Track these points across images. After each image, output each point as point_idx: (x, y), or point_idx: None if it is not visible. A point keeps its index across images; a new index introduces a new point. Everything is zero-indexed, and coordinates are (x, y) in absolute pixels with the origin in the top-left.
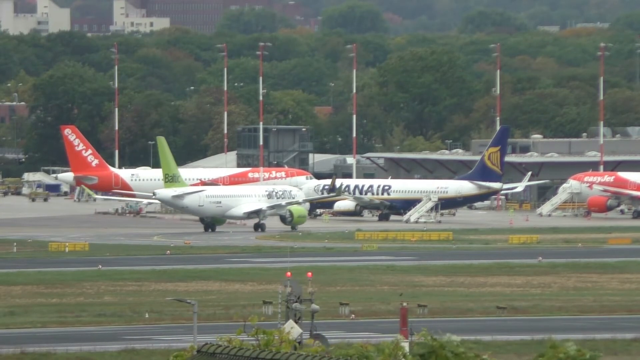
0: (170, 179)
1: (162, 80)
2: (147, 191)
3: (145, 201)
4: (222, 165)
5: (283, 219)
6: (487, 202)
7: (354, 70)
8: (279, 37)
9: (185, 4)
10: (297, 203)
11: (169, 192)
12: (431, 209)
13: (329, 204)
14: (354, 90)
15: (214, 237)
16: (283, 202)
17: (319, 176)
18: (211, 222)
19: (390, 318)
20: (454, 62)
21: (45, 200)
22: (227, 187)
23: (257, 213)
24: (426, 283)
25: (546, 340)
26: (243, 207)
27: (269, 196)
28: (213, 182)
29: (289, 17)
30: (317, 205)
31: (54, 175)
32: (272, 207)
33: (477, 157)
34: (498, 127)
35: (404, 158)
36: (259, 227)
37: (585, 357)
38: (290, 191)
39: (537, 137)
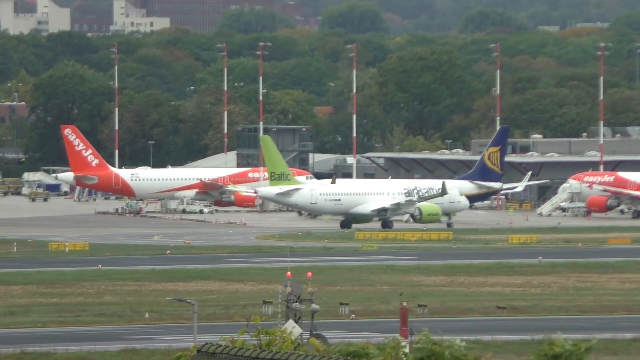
0: (277, 177)
1: (162, 80)
2: (147, 191)
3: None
4: (222, 165)
5: (413, 216)
6: (487, 202)
7: (354, 70)
8: (279, 37)
9: (185, 4)
10: (426, 199)
11: (272, 190)
12: None
13: None
14: (354, 90)
15: (213, 236)
16: (403, 200)
17: (319, 176)
18: (350, 219)
19: (390, 318)
20: (454, 62)
21: (45, 200)
22: (356, 183)
23: (385, 211)
24: (426, 283)
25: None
26: (371, 204)
27: (408, 193)
28: (213, 182)
29: (289, 17)
30: None
31: (54, 175)
32: (398, 205)
33: (477, 157)
34: (498, 127)
35: (404, 158)
36: (386, 225)
37: (581, 350)
38: (433, 189)
39: (537, 137)
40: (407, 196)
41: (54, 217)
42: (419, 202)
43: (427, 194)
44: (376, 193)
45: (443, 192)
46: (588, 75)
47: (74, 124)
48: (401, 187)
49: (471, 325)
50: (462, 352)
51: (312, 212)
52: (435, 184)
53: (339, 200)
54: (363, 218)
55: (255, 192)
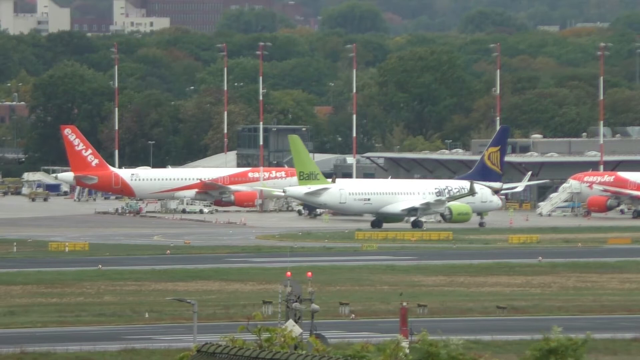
0: (306, 177)
1: (162, 80)
2: (147, 191)
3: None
4: (222, 165)
5: (443, 216)
6: None
7: (354, 70)
8: (279, 37)
9: (185, 4)
10: (455, 199)
11: (301, 190)
12: None
13: None
14: (354, 90)
15: (213, 236)
16: (432, 200)
17: None
18: (381, 219)
19: (390, 318)
20: (453, 62)
21: (45, 200)
22: (386, 183)
23: (415, 210)
24: (426, 283)
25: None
26: (401, 204)
27: (439, 193)
28: (213, 182)
29: (289, 17)
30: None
31: (54, 175)
32: (427, 205)
33: (477, 157)
34: (498, 127)
35: (404, 158)
36: (416, 224)
37: (578, 344)
38: (465, 189)
39: (537, 136)
40: (437, 196)
41: (54, 217)
42: (448, 201)
43: (457, 194)
44: (406, 192)
45: (471, 191)
46: (588, 75)
47: (74, 124)
48: (432, 187)
49: (471, 325)
50: (459, 352)
51: (341, 212)
52: (467, 184)
53: (369, 199)
54: (394, 218)
55: (283, 192)
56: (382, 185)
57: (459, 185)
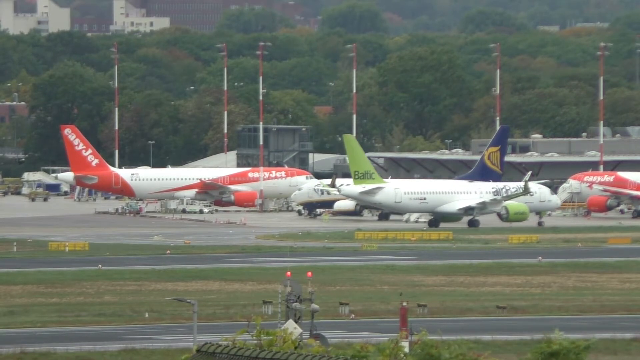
0: (361, 176)
1: (162, 80)
2: (147, 191)
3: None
4: (222, 165)
5: (500, 215)
6: None
7: (354, 70)
8: (279, 37)
9: (185, 3)
10: (510, 198)
11: (356, 189)
12: None
13: (329, 204)
14: (354, 90)
15: (213, 236)
16: (488, 199)
17: (319, 176)
18: (438, 218)
19: (390, 318)
20: (453, 62)
21: (45, 200)
22: (443, 182)
23: (471, 209)
24: (426, 283)
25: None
26: (457, 203)
27: (496, 192)
28: (213, 182)
29: (289, 17)
30: (317, 205)
31: (54, 175)
32: (484, 204)
33: (477, 157)
34: (498, 127)
35: (404, 158)
36: (472, 223)
37: (580, 347)
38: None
39: (537, 136)
40: (494, 195)
41: (54, 217)
42: (505, 200)
43: (513, 193)
44: (462, 192)
45: (526, 190)
46: (588, 75)
47: (74, 123)
48: (489, 187)
49: (471, 325)
50: (459, 352)
51: (397, 211)
52: (529, 185)
53: (424, 198)
54: (451, 217)
55: (338, 192)
56: (438, 185)
57: (517, 186)
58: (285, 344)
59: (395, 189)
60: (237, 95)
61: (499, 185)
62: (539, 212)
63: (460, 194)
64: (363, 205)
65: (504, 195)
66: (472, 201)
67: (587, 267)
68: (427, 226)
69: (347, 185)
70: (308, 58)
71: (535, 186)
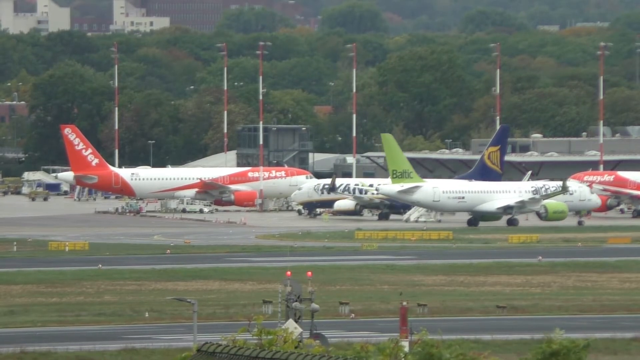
0: (400, 175)
1: (162, 80)
2: (147, 191)
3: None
4: (222, 165)
5: (538, 214)
6: None
7: (354, 70)
8: (279, 37)
9: (185, 3)
10: (548, 197)
11: (393, 188)
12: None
13: (329, 204)
14: (354, 90)
15: (213, 236)
16: (527, 198)
17: (318, 175)
18: (477, 217)
19: (390, 317)
20: (453, 62)
21: (45, 199)
22: (481, 183)
23: (510, 208)
24: (426, 282)
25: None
26: (496, 202)
27: (535, 192)
28: (213, 182)
29: (289, 17)
30: (317, 205)
31: (54, 174)
32: (523, 203)
33: (477, 157)
34: (498, 127)
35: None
36: (511, 223)
37: (579, 347)
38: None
39: (537, 136)
40: (533, 194)
41: (54, 216)
42: (543, 199)
43: (552, 192)
44: (501, 191)
45: (564, 189)
46: (588, 75)
47: (74, 123)
48: (528, 186)
49: (471, 325)
50: (459, 351)
51: (435, 210)
52: (567, 184)
53: (463, 197)
54: (490, 216)
55: (376, 191)
56: (476, 184)
57: (557, 184)
58: (285, 343)
59: (434, 188)
60: (237, 95)
61: (538, 184)
62: (579, 211)
63: (499, 193)
64: (363, 205)
65: (543, 194)
66: (511, 200)
67: (587, 266)
68: (467, 225)
69: (384, 184)
70: (308, 58)
71: (575, 185)
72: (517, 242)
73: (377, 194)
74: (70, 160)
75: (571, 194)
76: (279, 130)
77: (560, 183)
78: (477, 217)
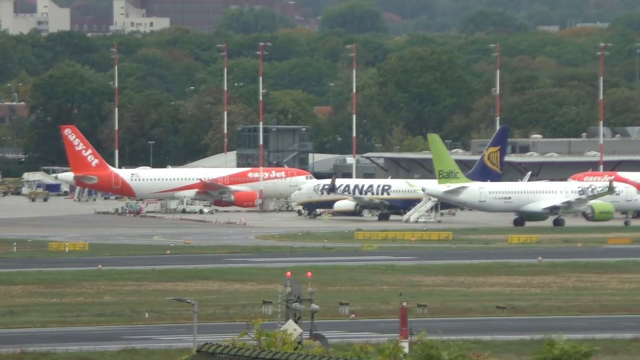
0: (446, 175)
1: (162, 80)
2: (147, 191)
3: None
4: (222, 165)
5: (585, 214)
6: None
7: (354, 70)
8: (279, 37)
9: (185, 4)
10: (595, 198)
11: (440, 188)
12: (431, 208)
13: (329, 204)
14: (354, 90)
15: (213, 236)
16: (574, 199)
17: (318, 176)
18: (523, 217)
19: (390, 318)
20: (453, 62)
21: (45, 200)
22: (527, 183)
23: (557, 209)
24: (426, 283)
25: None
26: (543, 202)
27: (582, 192)
28: (213, 182)
29: (289, 17)
30: (317, 205)
31: (54, 175)
32: (569, 203)
33: (477, 157)
34: (498, 127)
35: (404, 158)
36: (558, 223)
37: (581, 353)
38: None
39: (536, 136)
40: (580, 194)
41: (54, 217)
42: (590, 200)
43: (598, 192)
44: (547, 191)
45: (610, 189)
46: (588, 75)
47: (74, 124)
48: (575, 186)
49: (471, 325)
50: (459, 352)
51: (481, 210)
52: (614, 184)
53: (509, 198)
54: (536, 216)
55: (422, 191)
56: (522, 184)
57: (603, 185)
58: (284, 345)
59: (480, 188)
60: (237, 95)
61: (585, 184)
62: (625, 212)
63: (545, 193)
64: (363, 206)
65: (590, 194)
66: (558, 200)
67: (587, 267)
68: (513, 225)
69: (429, 184)
70: (308, 58)
71: (621, 185)
72: (517, 242)
73: (425, 193)
74: (70, 161)
75: (617, 195)
76: (278, 131)
77: (606, 183)
78: (523, 218)
